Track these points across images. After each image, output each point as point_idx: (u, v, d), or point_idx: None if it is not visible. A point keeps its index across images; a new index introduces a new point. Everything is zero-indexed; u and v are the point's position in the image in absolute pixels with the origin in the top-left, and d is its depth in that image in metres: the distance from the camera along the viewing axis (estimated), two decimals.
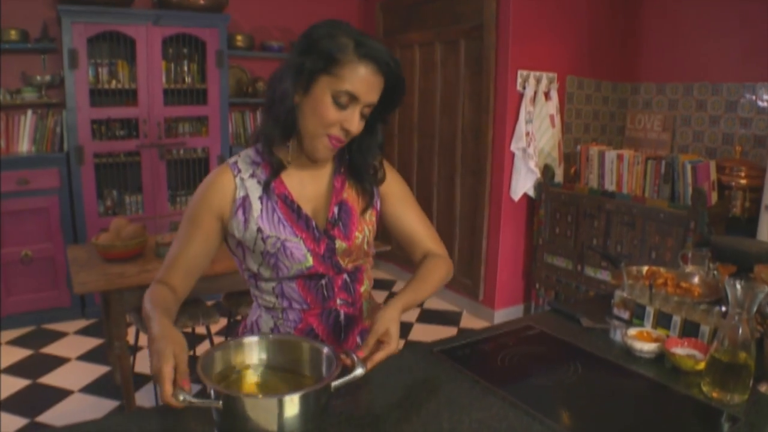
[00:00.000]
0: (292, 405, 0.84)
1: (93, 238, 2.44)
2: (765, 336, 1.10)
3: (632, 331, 1.23)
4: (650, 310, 1.30)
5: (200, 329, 3.34)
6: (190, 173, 4.00)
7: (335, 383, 0.89)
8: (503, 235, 3.62)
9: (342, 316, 1.18)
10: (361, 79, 1.01)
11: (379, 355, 1.00)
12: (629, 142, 4.00)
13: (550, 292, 3.60)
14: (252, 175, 1.11)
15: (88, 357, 3.15)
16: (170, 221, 3.59)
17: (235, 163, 1.12)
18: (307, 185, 1.13)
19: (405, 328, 3.56)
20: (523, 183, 3.52)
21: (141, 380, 2.87)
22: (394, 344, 1.02)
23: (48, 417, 2.56)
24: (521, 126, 3.43)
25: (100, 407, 2.65)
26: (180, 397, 0.81)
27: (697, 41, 3.58)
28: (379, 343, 1.01)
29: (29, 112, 3.52)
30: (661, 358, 1.16)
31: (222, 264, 2.40)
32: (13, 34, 3.37)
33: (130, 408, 2.34)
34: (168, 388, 0.82)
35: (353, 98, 1.02)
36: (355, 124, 1.04)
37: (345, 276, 1.16)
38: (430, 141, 4.05)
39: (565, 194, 3.40)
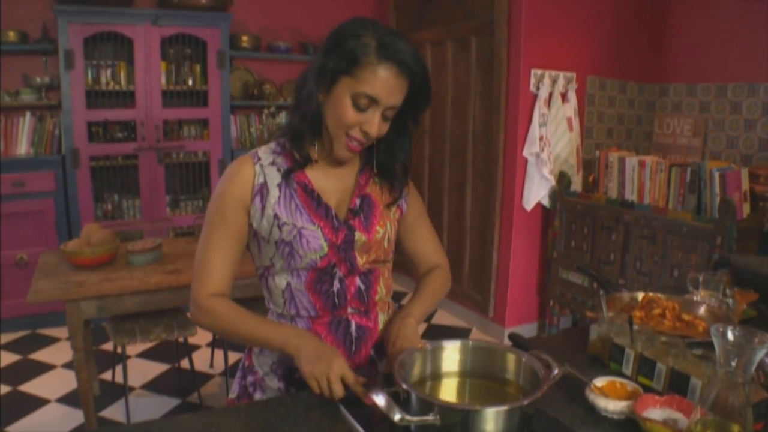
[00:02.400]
0: (512, 415, 0.82)
1: (62, 244, 2.33)
2: None
3: (600, 382, 0.96)
4: (630, 354, 1.04)
5: (195, 340, 3.22)
6: (190, 177, 3.90)
7: None
8: (515, 247, 3.34)
9: (353, 327, 1.12)
10: (381, 82, 0.97)
11: None
12: (657, 149, 3.66)
13: (564, 310, 3.30)
14: (272, 163, 1.09)
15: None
16: (168, 226, 3.48)
17: (256, 152, 1.11)
18: (332, 180, 1.12)
19: None
20: (536, 191, 3.25)
21: (121, 391, 2.75)
22: None
23: (18, 427, 2.46)
24: (534, 129, 3.16)
25: (71, 419, 2.53)
26: (396, 417, 0.80)
27: (731, 37, 3.21)
28: None
29: (28, 114, 3.48)
30: (635, 420, 0.89)
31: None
32: (12, 35, 3.33)
33: (90, 424, 2.20)
34: (340, 389, 0.90)
35: (373, 101, 0.99)
36: (375, 127, 1.01)
37: (358, 281, 1.11)
38: (440, 145, 3.82)
39: (581, 204, 3.10)
